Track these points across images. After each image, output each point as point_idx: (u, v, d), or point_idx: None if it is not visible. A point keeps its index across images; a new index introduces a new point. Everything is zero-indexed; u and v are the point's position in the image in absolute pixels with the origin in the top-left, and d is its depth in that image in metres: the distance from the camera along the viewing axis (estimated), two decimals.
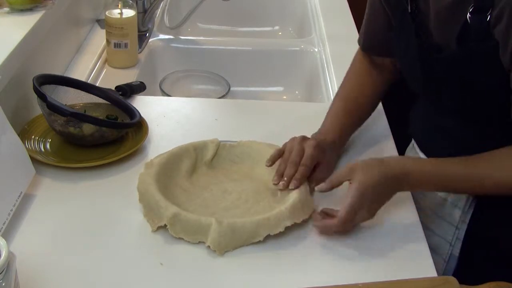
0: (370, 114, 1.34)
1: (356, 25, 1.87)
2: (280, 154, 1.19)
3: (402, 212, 1.16)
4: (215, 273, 1.02)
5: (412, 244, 1.09)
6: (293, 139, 1.21)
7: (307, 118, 1.36)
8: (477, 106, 1.11)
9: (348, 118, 1.28)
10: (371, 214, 1.08)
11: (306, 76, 1.84)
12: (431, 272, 1.04)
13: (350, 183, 1.07)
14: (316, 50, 1.84)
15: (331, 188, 1.11)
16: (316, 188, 1.12)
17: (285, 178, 1.14)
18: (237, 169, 1.23)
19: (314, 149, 1.17)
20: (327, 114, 1.30)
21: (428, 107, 1.26)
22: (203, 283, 1.00)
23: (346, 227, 1.07)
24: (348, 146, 1.32)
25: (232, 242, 1.05)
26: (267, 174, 1.19)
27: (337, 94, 1.34)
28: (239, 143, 1.27)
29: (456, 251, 1.24)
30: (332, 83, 1.60)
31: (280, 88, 1.90)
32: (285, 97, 1.88)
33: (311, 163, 1.16)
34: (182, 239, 1.06)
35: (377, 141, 1.35)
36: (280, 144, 1.23)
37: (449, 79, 1.10)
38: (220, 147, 1.26)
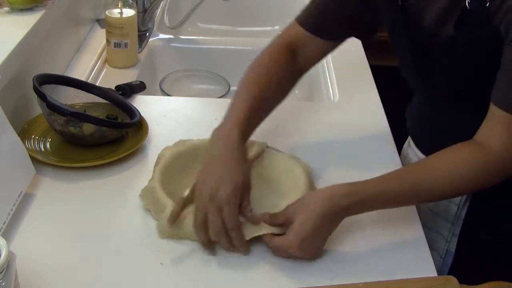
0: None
1: None
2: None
3: (402, 212, 1.16)
4: (215, 273, 1.02)
5: (412, 244, 1.09)
6: (200, 194, 1.03)
7: (307, 118, 1.35)
8: (473, 97, 1.11)
9: (257, 111, 1.20)
10: (313, 254, 1.03)
11: (306, 76, 1.83)
12: (431, 272, 1.04)
13: (292, 223, 1.01)
14: None
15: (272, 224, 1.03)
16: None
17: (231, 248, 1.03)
18: (259, 176, 1.18)
19: (230, 206, 1.01)
20: (234, 103, 1.20)
21: (424, 105, 1.26)
22: (203, 283, 1.00)
23: (277, 253, 1.03)
24: (348, 145, 1.32)
25: (176, 232, 1.06)
26: (281, 193, 1.16)
27: (245, 81, 1.27)
28: (283, 155, 1.24)
29: (453, 247, 1.24)
30: (332, 83, 1.60)
31: None
32: None
33: (234, 219, 1.02)
34: (185, 239, 1.06)
35: (376, 140, 1.35)
36: (282, 148, 1.22)
37: (445, 68, 1.10)
38: (265, 151, 1.23)
